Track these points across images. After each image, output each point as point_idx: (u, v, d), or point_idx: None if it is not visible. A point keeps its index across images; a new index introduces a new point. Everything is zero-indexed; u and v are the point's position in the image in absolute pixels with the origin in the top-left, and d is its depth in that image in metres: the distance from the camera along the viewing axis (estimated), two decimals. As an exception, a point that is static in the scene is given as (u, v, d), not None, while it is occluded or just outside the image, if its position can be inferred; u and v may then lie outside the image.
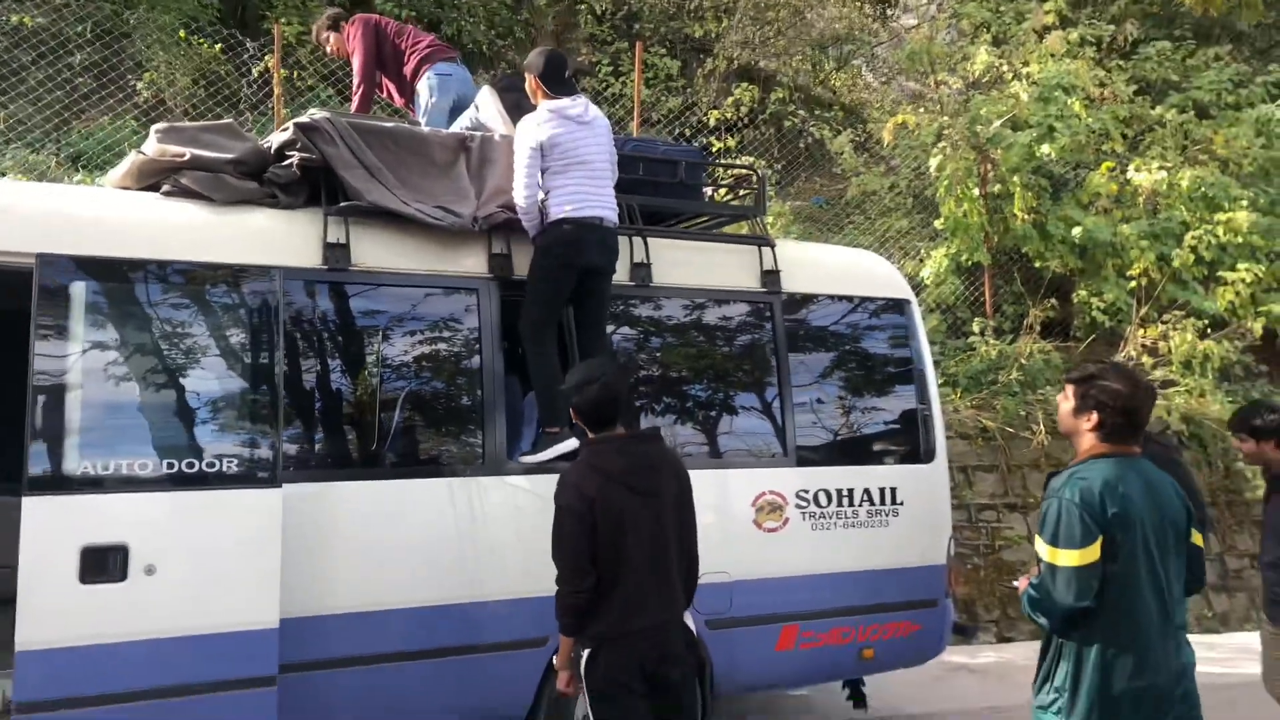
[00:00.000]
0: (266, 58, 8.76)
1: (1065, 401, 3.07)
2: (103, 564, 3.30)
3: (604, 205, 4.25)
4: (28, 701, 3.17)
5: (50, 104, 9.08)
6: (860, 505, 4.80)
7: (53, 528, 3.27)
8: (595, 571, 3.20)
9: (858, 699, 5.20)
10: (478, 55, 12.00)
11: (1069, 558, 2.78)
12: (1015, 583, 3.17)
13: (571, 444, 3.99)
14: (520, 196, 4.18)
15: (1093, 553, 2.76)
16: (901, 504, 4.89)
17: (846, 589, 4.70)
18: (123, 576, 3.33)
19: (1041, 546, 2.88)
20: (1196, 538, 3.05)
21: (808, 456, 4.75)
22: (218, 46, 9.97)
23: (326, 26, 5.68)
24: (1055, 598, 2.80)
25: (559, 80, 4.33)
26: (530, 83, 4.37)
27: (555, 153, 4.19)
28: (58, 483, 3.31)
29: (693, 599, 3.51)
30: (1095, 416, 2.94)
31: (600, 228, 4.20)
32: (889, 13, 14.33)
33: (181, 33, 10.16)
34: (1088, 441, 2.98)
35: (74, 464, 3.35)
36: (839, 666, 4.86)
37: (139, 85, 9.84)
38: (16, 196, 3.76)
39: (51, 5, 10.04)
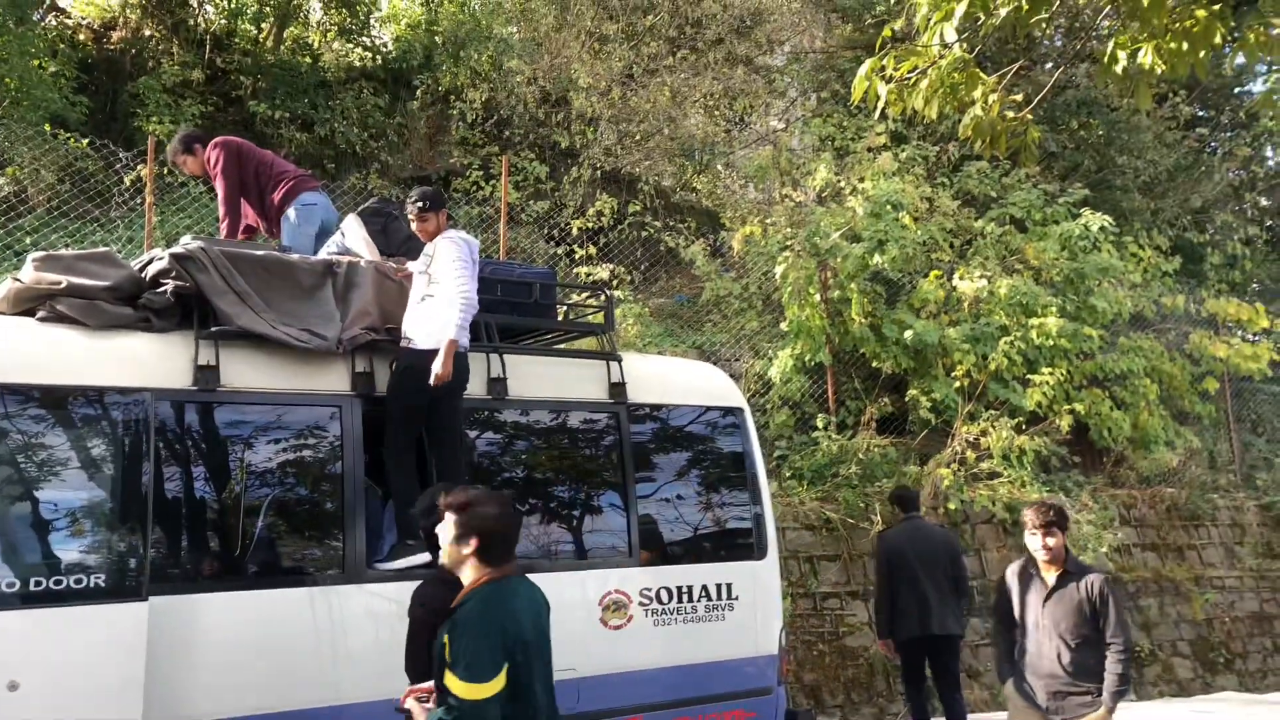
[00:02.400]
0: (139, 167, 8.88)
1: (446, 532, 3.17)
2: (-33, 681, 3.44)
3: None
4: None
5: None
6: (699, 601, 5.23)
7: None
8: None
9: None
10: (351, 155, 12.36)
11: (485, 690, 2.88)
12: (405, 706, 3.31)
13: (424, 557, 4.31)
14: (471, 299, 4.59)
15: (500, 681, 2.91)
16: (737, 598, 5.34)
17: (686, 681, 5.08)
18: (-14, 693, 3.47)
19: (456, 683, 2.91)
20: None
21: (651, 556, 5.18)
22: (85, 142, 10.04)
23: (181, 150, 5.80)
24: None
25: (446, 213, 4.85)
26: (441, 218, 4.82)
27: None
28: (-76, 602, 3.45)
29: None
30: (475, 542, 3.10)
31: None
32: (746, 119, 15.40)
33: (47, 126, 10.20)
34: (473, 567, 3.11)
35: (-59, 583, 3.50)
36: (681, 754, 5.22)
37: (0, 180, 9.82)
38: (-107, 325, 3.92)
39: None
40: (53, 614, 3.65)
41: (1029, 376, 9.95)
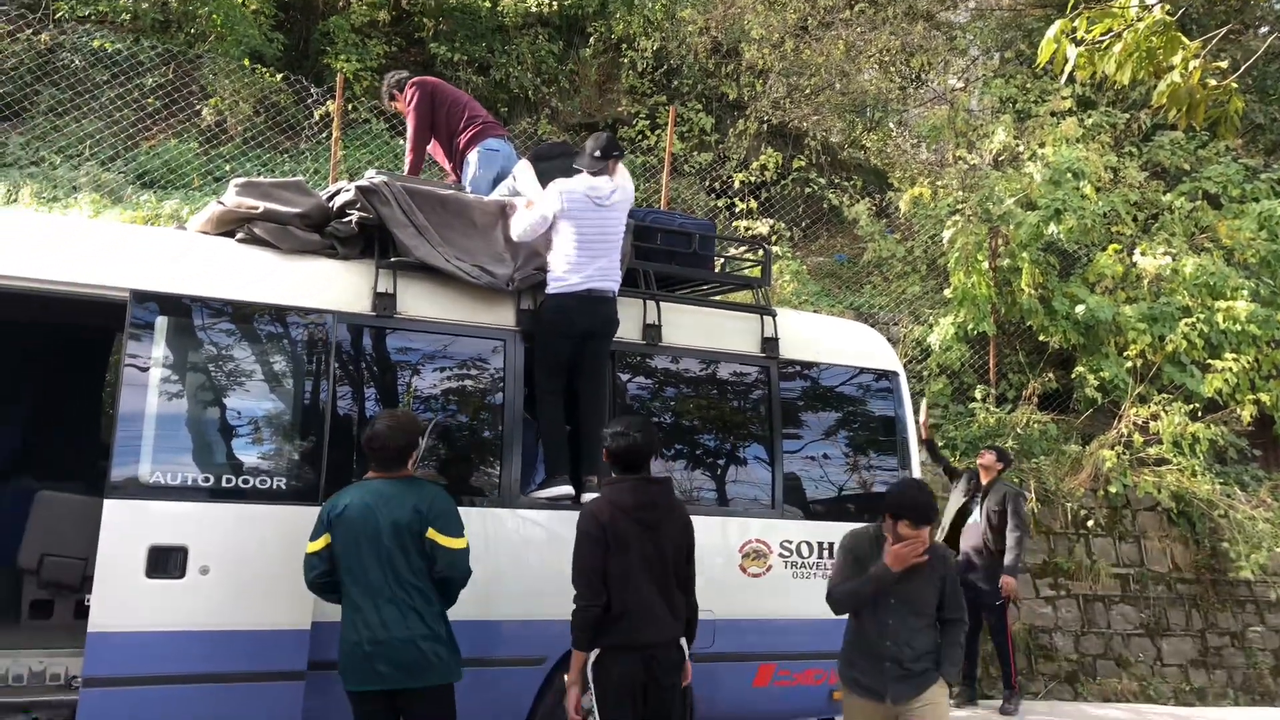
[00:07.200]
0: (328, 102, 9.36)
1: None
2: (165, 562, 3.82)
3: (602, 277, 4.69)
4: (95, 677, 3.68)
5: (120, 122, 9.74)
6: (839, 558, 5.23)
7: (127, 528, 3.79)
8: (607, 591, 3.70)
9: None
10: (523, 100, 12.65)
11: (311, 546, 3.74)
12: None
13: (566, 490, 4.54)
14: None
15: (318, 544, 3.72)
16: (877, 559, 5.31)
17: (821, 634, 5.08)
18: (182, 574, 3.84)
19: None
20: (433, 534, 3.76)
21: (793, 509, 5.21)
22: (279, 77, 10.64)
23: (395, 89, 6.05)
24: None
25: (594, 158, 4.83)
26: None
27: (568, 227, 4.67)
28: (133, 489, 3.84)
29: (694, 632, 3.98)
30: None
31: (591, 298, 4.66)
32: (923, 76, 14.87)
33: (246, 60, 10.85)
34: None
35: (148, 473, 3.88)
36: (811, 705, 5.27)
37: (204, 110, 10.53)
38: (116, 238, 4.31)
39: (128, 30, 10.77)
40: (241, 509, 4.00)
41: (1210, 361, 9.38)
